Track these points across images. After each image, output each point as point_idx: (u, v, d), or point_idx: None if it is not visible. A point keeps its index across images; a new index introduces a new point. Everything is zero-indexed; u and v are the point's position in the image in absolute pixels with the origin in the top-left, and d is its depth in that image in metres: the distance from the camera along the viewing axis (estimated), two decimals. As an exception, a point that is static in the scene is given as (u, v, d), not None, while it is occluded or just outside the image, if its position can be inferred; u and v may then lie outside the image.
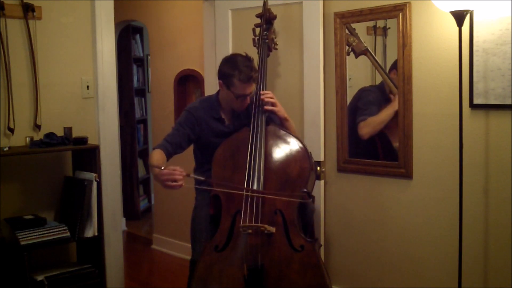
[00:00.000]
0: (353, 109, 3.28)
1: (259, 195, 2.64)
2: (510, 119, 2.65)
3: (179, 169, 2.49)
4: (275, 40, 3.25)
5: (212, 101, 2.92)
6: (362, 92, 3.28)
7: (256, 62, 3.02)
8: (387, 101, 3.15)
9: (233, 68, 2.73)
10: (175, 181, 2.47)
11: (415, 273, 3.08)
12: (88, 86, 3.26)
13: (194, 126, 2.85)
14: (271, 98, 2.84)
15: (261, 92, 2.87)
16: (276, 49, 3.28)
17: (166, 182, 2.48)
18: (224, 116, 2.91)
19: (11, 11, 2.92)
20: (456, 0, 2.52)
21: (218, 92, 2.96)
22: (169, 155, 2.77)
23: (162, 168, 2.50)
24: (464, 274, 2.70)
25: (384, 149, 3.23)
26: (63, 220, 3.03)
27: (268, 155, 2.75)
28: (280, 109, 2.86)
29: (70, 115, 3.19)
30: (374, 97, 3.23)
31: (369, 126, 3.20)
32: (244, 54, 2.82)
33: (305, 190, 2.70)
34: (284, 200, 2.65)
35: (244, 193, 2.64)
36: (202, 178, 2.65)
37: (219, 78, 2.83)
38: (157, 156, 2.71)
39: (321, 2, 3.27)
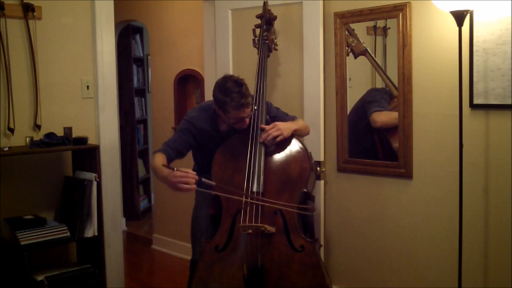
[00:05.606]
0: (360, 107, 3.27)
1: (260, 203, 2.62)
2: (510, 119, 2.65)
3: (192, 172, 2.47)
4: (275, 40, 3.25)
5: (211, 112, 2.82)
6: (373, 90, 3.29)
7: (256, 63, 3.02)
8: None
9: (225, 95, 2.64)
10: (187, 183, 2.44)
11: (415, 273, 3.08)
12: (88, 86, 3.26)
13: (195, 135, 2.81)
14: (269, 135, 2.73)
15: (263, 127, 2.77)
16: (276, 49, 3.28)
17: (178, 184, 2.44)
18: (224, 128, 2.86)
19: (11, 11, 2.92)
20: (456, 0, 2.52)
21: None
22: (170, 160, 2.73)
23: (175, 169, 2.46)
24: (464, 274, 2.70)
25: (384, 149, 3.23)
26: (63, 220, 3.03)
27: (268, 155, 2.75)
28: (284, 132, 2.75)
29: (70, 115, 3.19)
30: (385, 97, 3.23)
31: (385, 115, 3.17)
32: (235, 78, 2.70)
33: (305, 190, 2.70)
34: (284, 200, 2.66)
35: (247, 200, 2.64)
36: (213, 183, 2.59)
37: (215, 104, 2.75)
38: (160, 158, 2.66)
39: (321, 2, 3.27)
